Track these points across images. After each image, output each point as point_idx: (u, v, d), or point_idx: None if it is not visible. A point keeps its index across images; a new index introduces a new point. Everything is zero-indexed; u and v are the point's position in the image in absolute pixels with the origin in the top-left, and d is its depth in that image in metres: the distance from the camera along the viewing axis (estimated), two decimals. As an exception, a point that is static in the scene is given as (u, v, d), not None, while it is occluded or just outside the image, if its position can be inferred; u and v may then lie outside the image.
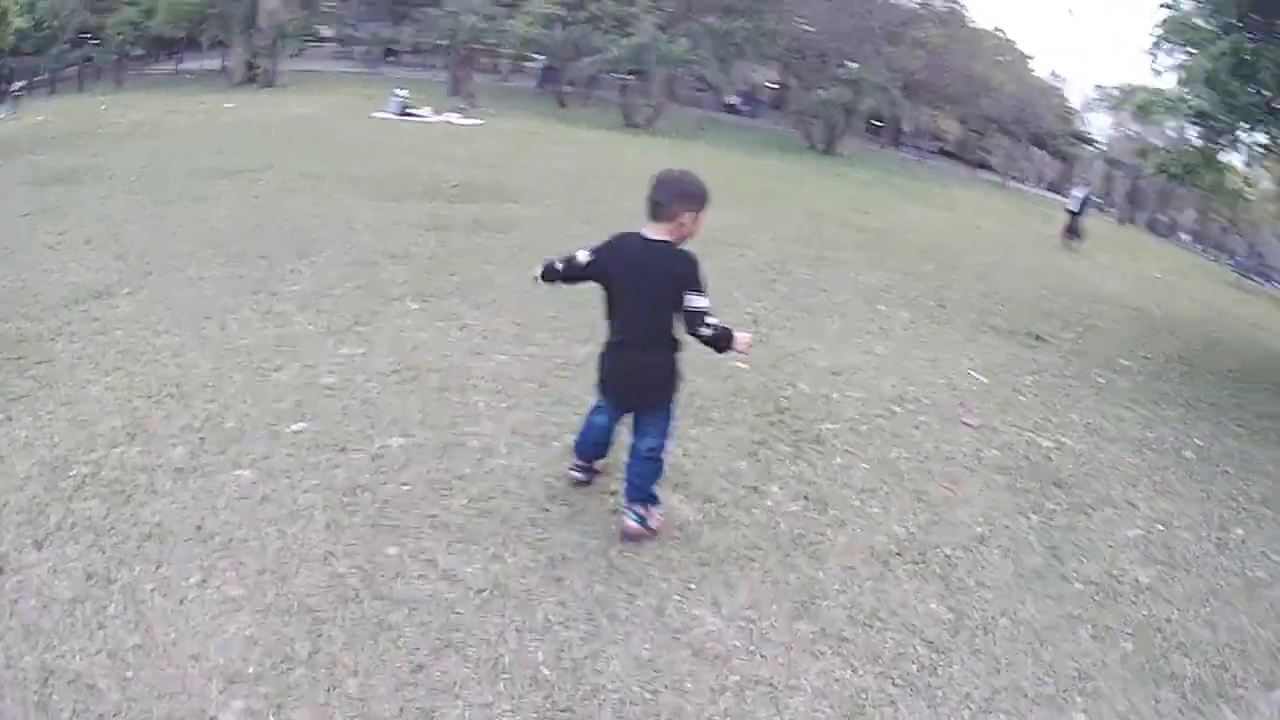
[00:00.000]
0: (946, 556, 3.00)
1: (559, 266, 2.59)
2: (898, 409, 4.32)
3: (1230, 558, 3.36)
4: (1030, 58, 41.33)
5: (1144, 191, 43.20)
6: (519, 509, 2.77)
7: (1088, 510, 3.55)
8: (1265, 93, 5.42)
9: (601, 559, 2.58)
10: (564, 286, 2.65)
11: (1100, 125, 46.38)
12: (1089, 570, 3.09)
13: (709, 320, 2.40)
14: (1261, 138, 5.65)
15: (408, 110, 16.83)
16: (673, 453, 3.00)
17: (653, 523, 2.70)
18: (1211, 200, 39.51)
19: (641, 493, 2.67)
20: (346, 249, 5.58)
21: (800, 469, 3.45)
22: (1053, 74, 44.97)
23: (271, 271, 4.95)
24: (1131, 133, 41.80)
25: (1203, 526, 3.59)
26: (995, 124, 40.50)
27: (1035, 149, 43.53)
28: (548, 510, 2.79)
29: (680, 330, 2.45)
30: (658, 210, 2.45)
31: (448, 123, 16.58)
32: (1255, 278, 34.37)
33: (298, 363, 3.66)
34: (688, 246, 2.49)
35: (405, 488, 2.80)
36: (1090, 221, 16.86)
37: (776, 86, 42.60)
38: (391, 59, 32.04)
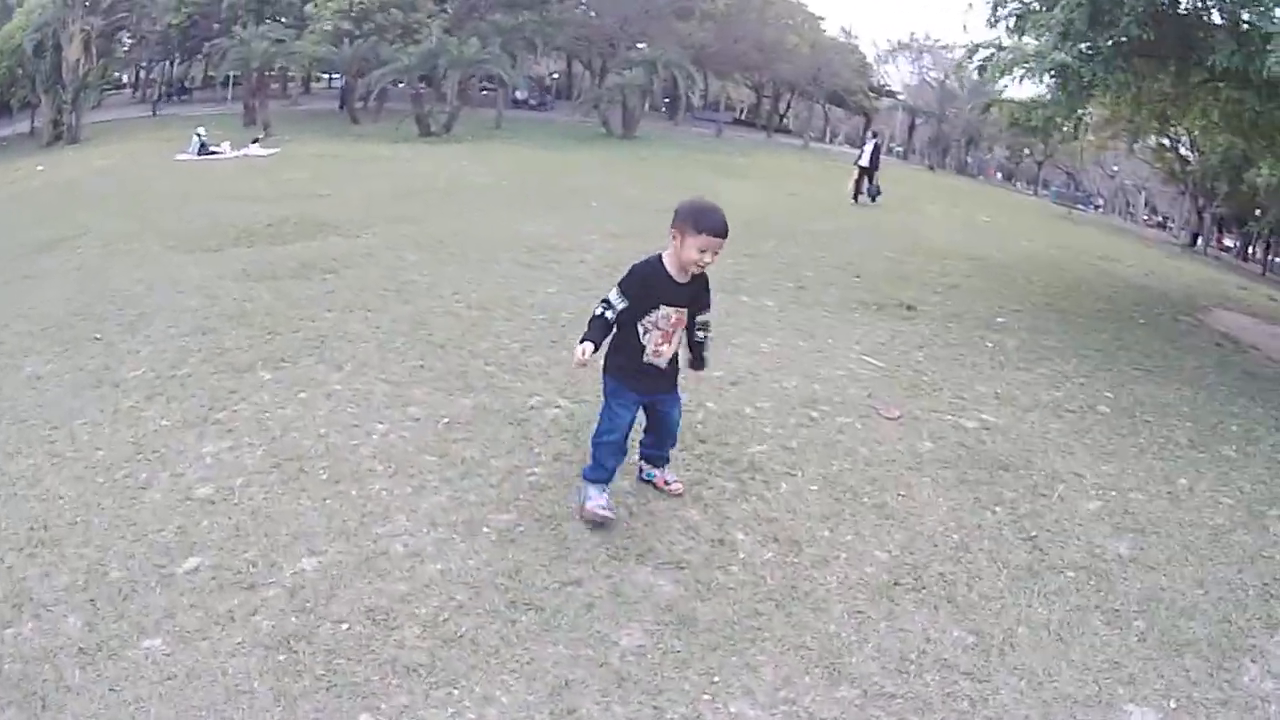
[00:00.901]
0: (940, 575, 2.96)
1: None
2: (814, 414, 4.32)
3: (1186, 510, 3.60)
4: (821, 18, 45.47)
5: (947, 136, 48.44)
6: (484, 627, 2.53)
7: (1042, 491, 3.69)
8: (1124, 40, 6.01)
9: (606, 672, 2.38)
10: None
11: (897, 76, 52.04)
12: (1072, 555, 3.20)
13: (596, 308, 2.91)
14: (1121, 78, 6.27)
15: (208, 149, 17.96)
16: (619, 514, 3.09)
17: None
18: (1024, 137, 45.41)
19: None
20: (179, 316, 5.48)
21: (753, 506, 3.29)
22: (843, 30, 50.89)
23: (110, 355, 4.79)
24: (931, 81, 47.13)
25: (1150, 484, 3.86)
26: (791, 87, 43.99)
27: (834, 107, 47.43)
28: (515, 621, 2.56)
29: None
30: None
31: (246, 156, 17.48)
32: (1080, 206, 39.28)
33: (165, 471, 3.40)
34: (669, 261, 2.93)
35: (344, 627, 2.51)
36: (907, 171, 18.29)
37: (558, 76, 45.16)
38: (185, 97, 33.48)
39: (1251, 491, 3.84)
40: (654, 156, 21.48)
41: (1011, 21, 7.13)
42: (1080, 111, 7.62)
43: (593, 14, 34.04)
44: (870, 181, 15.55)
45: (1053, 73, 6.01)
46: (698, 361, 3.17)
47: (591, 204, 11.25)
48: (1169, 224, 49.17)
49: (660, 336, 2.94)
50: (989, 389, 5.00)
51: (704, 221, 2.76)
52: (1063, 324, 6.96)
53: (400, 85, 26.88)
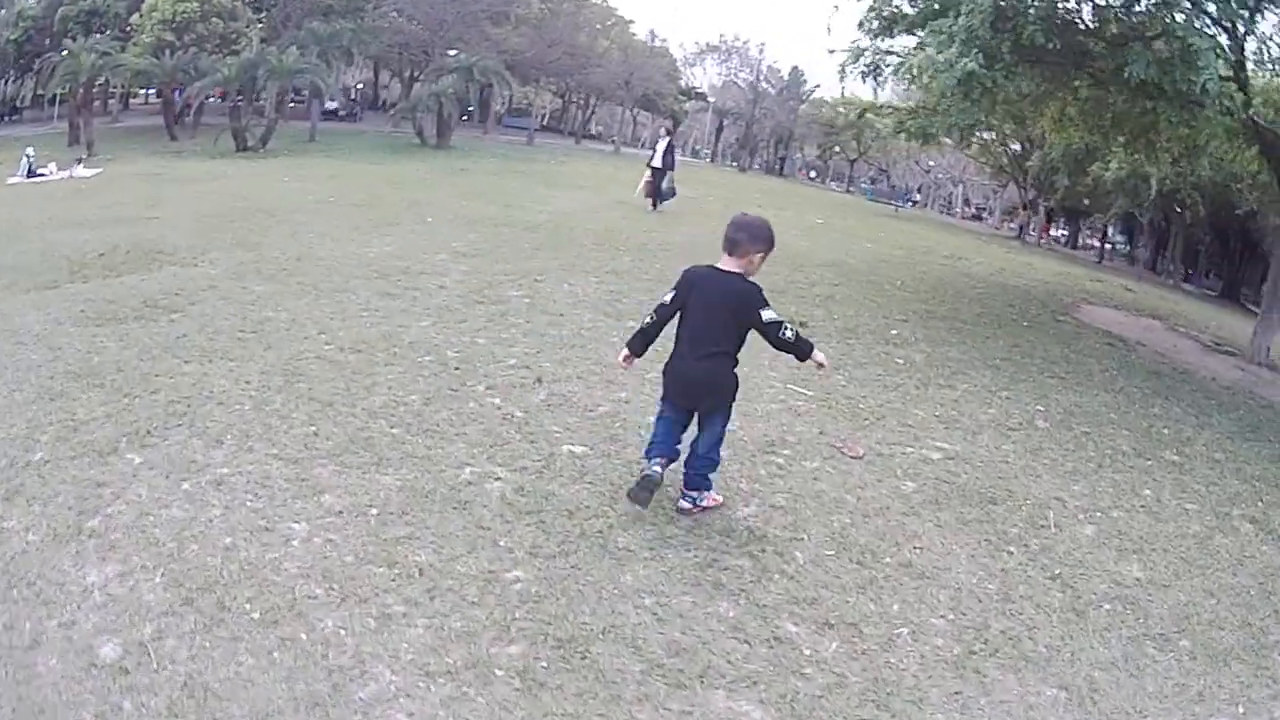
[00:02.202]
0: (1003, 633, 3.22)
1: (649, 321, 3.75)
2: (779, 459, 4.53)
3: (1165, 523, 4.20)
4: (631, 21, 50.65)
5: (756, 137, 52.54)
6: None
7: (1039, 522, 4.15)
8: (1025, 44, 6.76)
9: None
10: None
11: (704, 78, 57.86)
12: (1098, 586, 3.64)
13: (787, 328, 3.58)
14: (1025, 86, 6.99)
15: (35, 171, 19.29)
16: (650, 630, 3.04)
17: (706, 502, 3.80)
18: (835, 134, 50.17)
19: (697, 482, 3.76)
20: (22, 375, 5.10)
21: (783, 586, 3.37)
22: (651, 33, 54.88)
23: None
24: (740, 82, 51.12)
25: (1122, 500, 4.47)
26: (600, 92, 47.73)
27: (644, 111, 50.95)
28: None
29: (743, 346, 3.64)
30: (734, 247, 3.61)
31: (73, 178, 18.61)
32: (896, 202, 43.74)
33: (51, 620, 2.90)
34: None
35: None
36: (720, 173, 19.43)
37: (362, 86, 48.13)
38: (15, 117, 34.58)
39: (1209, 494, 4.51)
40: (474, 167, 22.69)
41: (876, 25, 7.75)
42: (983, 117, 8.39)
43: (407, 20, 36.20)
44: (663, 184, 15.29)
45: (958, 80, 6.60)
46: None
47: (427, 219, 11.55)
48: (983, 215, 57.50)
49: None
50: (927, 412, 5.46)
51: (769, 235, 3.70)
52: (954, 333, 7.76)
53: (212, 99, 29.03)
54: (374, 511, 3.55)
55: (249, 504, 3.57)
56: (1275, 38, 7.98)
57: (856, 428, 5.05)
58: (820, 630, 3.11)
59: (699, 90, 56.66)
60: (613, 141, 45.77)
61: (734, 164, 53.63)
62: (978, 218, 56.71)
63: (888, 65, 8.07)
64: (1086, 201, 36.14)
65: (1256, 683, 3.09)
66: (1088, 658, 3.10)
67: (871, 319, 7.93)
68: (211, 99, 29.58)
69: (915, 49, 7.93)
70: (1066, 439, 5.18)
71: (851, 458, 4.63)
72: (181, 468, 3.86)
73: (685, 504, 3.77)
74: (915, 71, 7.27)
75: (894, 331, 7.52)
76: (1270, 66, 8.14)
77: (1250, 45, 7.78)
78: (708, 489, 3.80)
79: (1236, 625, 3.38)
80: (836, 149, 57.58)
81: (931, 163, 52.92)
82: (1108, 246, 45.03)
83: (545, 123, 52.89)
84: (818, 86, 54.42)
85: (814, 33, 46.55)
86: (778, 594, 3.30)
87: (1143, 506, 4.32)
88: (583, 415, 4.74)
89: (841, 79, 9.25)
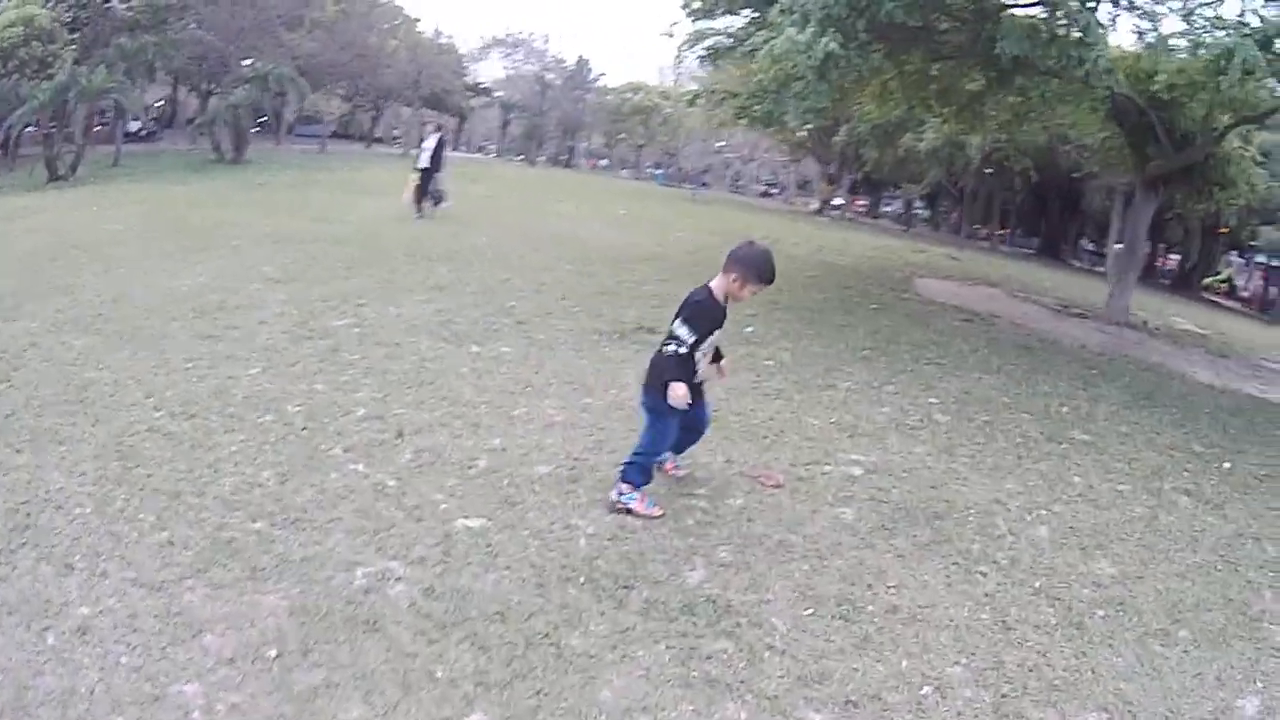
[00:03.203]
0: (1022, 665, 3.26)
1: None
2: (701, 503, 4.39)
3: (1106, 510, 4.54)
4: (418, 19, 54.44)
5: (542, 129, 54.04)
6: None
7: (993, 533, 4.32)
8: (883, 20, 6.96)
9: None
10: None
11: (489, 72, 60.73)
12: (1083, 593, 3.82)
13: (668, 345, 3.96)
14: (876, 63, 7.23)
15: None
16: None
17: (635, 505, 4.09)
18: (622, 121, 55.59)
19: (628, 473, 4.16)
20: None
21: (781, 666, 3.22)
22: (437, 31, 59.39)
23: None
24: (527, 75, 56.13)
25: (1057, 493, 4.81)
26: (390, 93, 50.59)
27: (431, 110, 52.12)
28: None
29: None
30: (724, 264, 4.01)
31: None
32: (689, 185, 45.76)
33: None
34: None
35: None
36: (510, 168, 19.51)
37: (163, 103, 50.10)
38: None
39: (1133, 472, 4.90)
40: (273, 180, 23.21)
41: (699, 5, 7.79)
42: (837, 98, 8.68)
43: (206, 31, 37.69)
44: (431, 185, 15.01)
45: (820, 61, 6.74)
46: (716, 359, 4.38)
47: (234, 243, 11.30)
48: (772, 192, 61.48)
49: (704, 356, 4.11)
50: (822, 420, 5.59)
51: (767, 274, 3.96)
52: (808, 324, 8.08)
53: (31, 128, 29.47)
54: (271, 653, 3.07)
55: (124, 660, 3.05)
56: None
57: (760, 450, 5.05)
58: (847, 712, 2.98)
59: (484, 85, 59.55)
60: (400, 144, 47.62)
61: (521, 157, 56.31)
62: (767, 195, 60.60)
63: (727, 47, 8.16)
64: (892, 173, 39.12)
65: (1256, 655, 3.40)
66: (1107, 671, 3.24)
67: (751, 321, 7.98)
68: (31, 127, 29.81)
69: (748, 27, 8.08)
70: (973, 432, 5.47)
71: (773, 488, 4.57)
72: (37, 609, 3.31)
73: (613, 495, 4.14)
74: (769, 53, 7.36)
75: (748, 329, 7.68)
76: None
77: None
78: (636, 486, 4.14)
79: (1220, 604, 3.69)
80: (623, 136, 62.01)
81: (722, 143, 56.07)
82: (913, 215, 49.21)
83: (335, 130, 55.23)
84: (603, 74, 60.01)
85: (600, 22, 49.86)
86: (780, 677, 3.14)
87: (1080, 496, 4.62)
88: (462, 474, 4.48)
89: (679, 63, 9.31)
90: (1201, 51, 8.21)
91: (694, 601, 3.54)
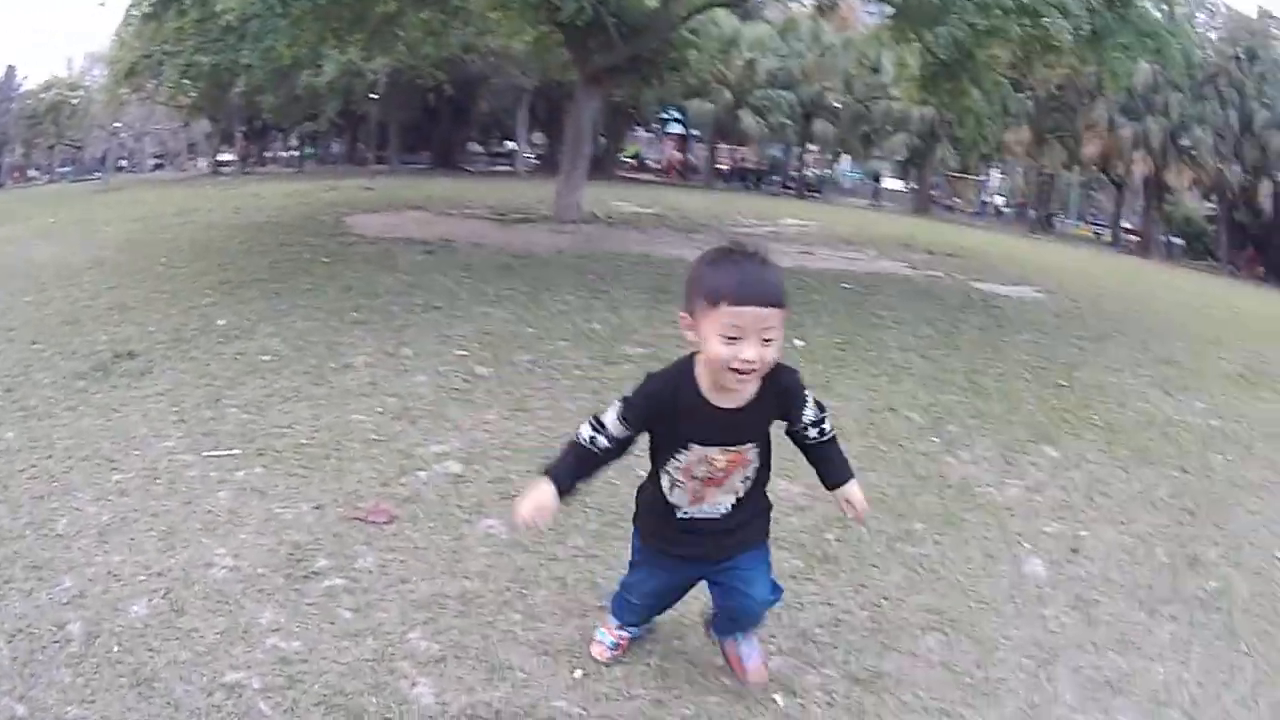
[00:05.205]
0: (1003, 682, 2.63)
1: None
2: (465, 606, 2.88)
3: (939, 464, 4.20)
4: None
5: None
6: None
7: (829, 534, 3.43)
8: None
9: None
10: None
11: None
12: (1005, 572, 3.24)
13: (583, 430, 2.27)
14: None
15: None
16: None
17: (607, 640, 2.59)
18: (38, 123, 52.69)
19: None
20: None
21: None
22: None
23: None
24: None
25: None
26: None
27: None
28: None
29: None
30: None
31: None
32: (97, 174, 41.33)
33: None
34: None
35: None
36: None
37: None
38: None
39: (925, 401, 4.95)
40: None
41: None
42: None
43: None
44: None
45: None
46: (834, 471, 2.39)
47: None
48: (164, 163, 58.09)
49: (695, 489, 2.28)
50: (368, 414, 4.40)
51: (724, 283, 2.00)
52: (275, 299, 7.12)
53: None
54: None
55: None
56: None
57: (335, 476, 3.63)
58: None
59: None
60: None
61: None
62: (160, 166, 57.94)
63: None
64: (287, 115, 37.78)
65: (1214, 601, 3.12)
66: (1175, 675, 2.71)
67: (185, 315, 6.49)
68: None
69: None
70: (524, 378, 5.16)
71: (373, 524, 3.14)
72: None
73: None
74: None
75: (221, 322, 6.29)
76: None
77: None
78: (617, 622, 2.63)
79: (1154, 561, 3.37)
80: (38, 139, 57.93)
81: (118, 124, 50.92)
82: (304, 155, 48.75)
83: None
84: (26, 78, 56.09)
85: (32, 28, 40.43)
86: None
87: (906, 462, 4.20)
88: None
89: (128, 26, 8.89)
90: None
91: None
